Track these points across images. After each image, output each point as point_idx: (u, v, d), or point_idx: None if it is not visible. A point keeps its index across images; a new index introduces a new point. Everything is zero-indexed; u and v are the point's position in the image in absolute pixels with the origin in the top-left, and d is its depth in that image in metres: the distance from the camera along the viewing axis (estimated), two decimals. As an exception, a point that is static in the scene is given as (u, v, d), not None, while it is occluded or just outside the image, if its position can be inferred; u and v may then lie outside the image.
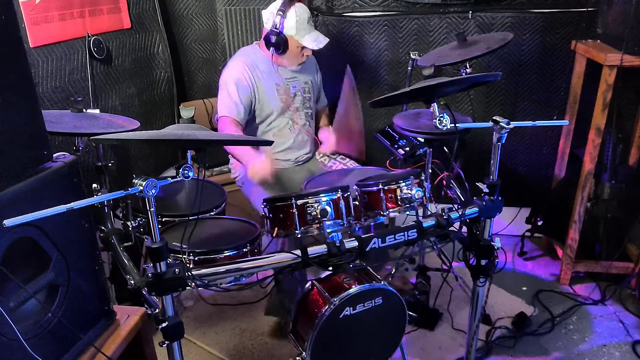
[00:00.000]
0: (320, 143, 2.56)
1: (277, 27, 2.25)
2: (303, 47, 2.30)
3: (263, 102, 2.37)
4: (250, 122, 2.41)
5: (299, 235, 1.56)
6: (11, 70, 1.10)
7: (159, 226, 1.23)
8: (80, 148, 1.81)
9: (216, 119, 2.41)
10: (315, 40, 2.29)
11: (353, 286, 1.58)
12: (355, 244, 1.49)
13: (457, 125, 1.56)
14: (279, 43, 2.27)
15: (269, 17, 2.28)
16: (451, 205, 1.63)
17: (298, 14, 2.24)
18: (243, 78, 2.31)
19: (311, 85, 2.52)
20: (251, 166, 2.15)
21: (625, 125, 2.65)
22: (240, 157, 2.30)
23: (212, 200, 2.02)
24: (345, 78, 2.39)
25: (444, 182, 2.22)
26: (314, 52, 2.37)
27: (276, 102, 2.39)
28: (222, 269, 1.39)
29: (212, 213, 1.95)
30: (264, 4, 2.36)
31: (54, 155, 1.25)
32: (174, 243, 1.49)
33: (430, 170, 2.24)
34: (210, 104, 3.08)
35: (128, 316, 1.46)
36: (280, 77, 2.41)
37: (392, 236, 1.53)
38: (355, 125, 2.42)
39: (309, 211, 1.54)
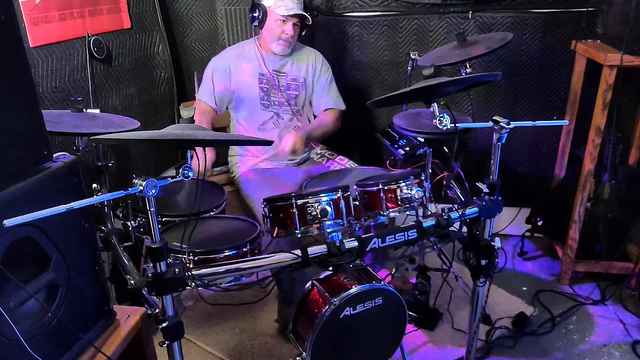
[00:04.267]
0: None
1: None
2: (283, 21, 2.32)
3: (242, 90, 2.43)
4: (234, 112, 2.50)
5: (299, 235, 1.56)
6: (11, 71, 1.09)
7: (159, 226, 1.23)
8: (80, 148, 1.81)
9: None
10: (286, 7, 2.29)
11: (353, 286, 1.58)
12: (355, 244, 1.49)
13: (457, 125, 1.56)
14: (258, 15, 2.33)
15: None
16: (451, 205, 1.62)
17: None
18: (221, 66, 2.42)
19: (300, 84, 2.51)
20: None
21: (625, 125, 2.65)
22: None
23: (212, 200, 2.02)
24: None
25: (444, 182, 2.22)
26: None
27: (256, 90, 2.43)
28: (222, 269, 1.38)
29: (212, 213, 1.95)
30: (264, 3, 2.38)
31: (54, 155, 1.25)
32: (174, 243, 1.49)
33: (430, 170, 2.23)
34: (210, 104, 3.07)
35: (128, 316, 1.46)
36: (267, 67, 2.44)
37: (392, 236, 1.53)
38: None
39: (309, 211, 1.54)
